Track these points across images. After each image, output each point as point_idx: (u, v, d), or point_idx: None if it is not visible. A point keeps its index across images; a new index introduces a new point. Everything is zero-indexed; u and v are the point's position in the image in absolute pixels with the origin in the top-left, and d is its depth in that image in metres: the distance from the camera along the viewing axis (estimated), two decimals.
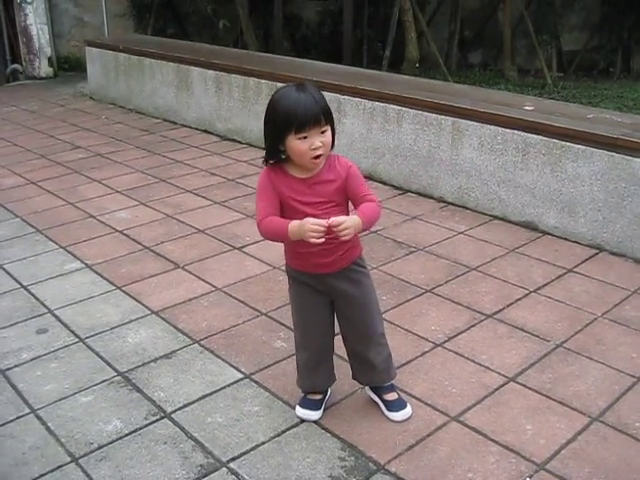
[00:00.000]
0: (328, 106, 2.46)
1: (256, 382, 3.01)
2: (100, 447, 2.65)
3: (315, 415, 2.77)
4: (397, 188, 5.31)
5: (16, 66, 10.46)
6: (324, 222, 2.38)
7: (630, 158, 4.06)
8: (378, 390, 2.82)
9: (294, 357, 2.87)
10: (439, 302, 3.67)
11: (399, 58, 9.92)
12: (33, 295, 3.81)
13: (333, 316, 2.74)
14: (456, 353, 3.21)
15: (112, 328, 3.47)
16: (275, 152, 2.51)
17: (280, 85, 6.02)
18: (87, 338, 3.39)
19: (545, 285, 3.84)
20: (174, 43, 8.56)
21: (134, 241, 4.47)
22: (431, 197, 5.12)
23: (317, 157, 2.45)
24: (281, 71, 6.26)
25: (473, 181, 4.84)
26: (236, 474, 2.51)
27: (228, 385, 3.00)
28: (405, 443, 2.64)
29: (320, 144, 2.43)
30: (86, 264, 4.16)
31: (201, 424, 2.76)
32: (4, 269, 4.12)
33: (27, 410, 2.87)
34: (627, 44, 11.35)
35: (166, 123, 7.41)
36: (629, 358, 3.17)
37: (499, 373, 3.06)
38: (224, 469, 2.54)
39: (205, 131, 7.03)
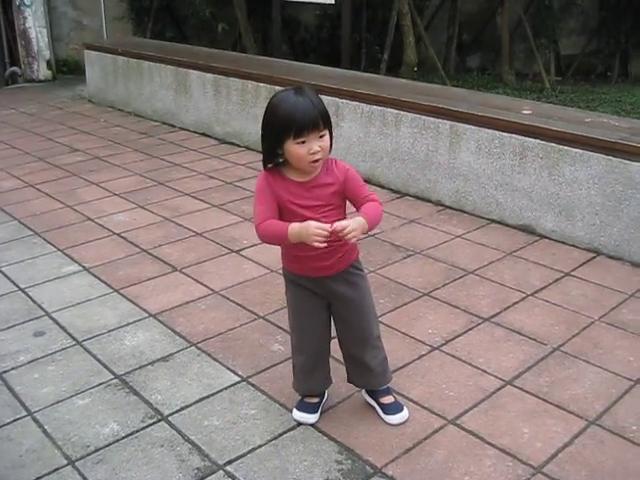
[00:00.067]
0: (326, 110, 2.47)
1: (253, 385, 3.02)
2: (97, 450, 2.65)
3: (312, 418, 2.77)
4: (395, 192, 5.31)
5: (15, 69, 10.46)
6: (327, 226, 2.38)
7: (627, 162, 4.06)
8: (374, 394, 2.82)
9: (291, 360, 2.86)
10: (436, 305, 3.68)
11: (397, 62, 9.93)
12: (30, 298, 3.81)
13: (330, 319, 2.74)
14: (453, 356, 3.21)
15: (109, 331, 3.47)
16: (273, 156, 2.52)
17: (278, 88, 6.03)
18: (84, 341, 3.39)
19: (542, 289, 3.84)
20: (173, 46, 8.57)
21: (132, 244, 4.48)
22: (429, 201, 5.13)
23: (315, 161, 2.46)
24: (279, 74, 6.27)
25: (471, 185, 4.85)
26: (233, 477, 2.51)
27: (225, 388, 3.00)
28: (402, 446, 2.64)
29: (318, 148, 2.44)
30: (84, 267, 4.16)
31: (198, 427, 2.76)
32: (1, 272, 4.12)
33: (24, 413, 2.87)
34: (625, 48, 11.36)
35: (164, 126, 7.41)
36: (626, 362, 3.17)
37: (496, 376, 3.06)
38: (221, 472, 2.54)
39: (203, 134, 7.03)
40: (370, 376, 2.77)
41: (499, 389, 2.98)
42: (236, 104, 6.63)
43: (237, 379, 3.06)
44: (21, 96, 9.35)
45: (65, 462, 2.60)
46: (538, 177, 4.47)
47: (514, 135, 4.56)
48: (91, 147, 6.65)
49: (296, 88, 2.48)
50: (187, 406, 2.89)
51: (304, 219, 2.45)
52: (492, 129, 4.68)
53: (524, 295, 3.77)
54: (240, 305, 3.70)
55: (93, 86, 8.70)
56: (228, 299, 3.76)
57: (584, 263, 4.15)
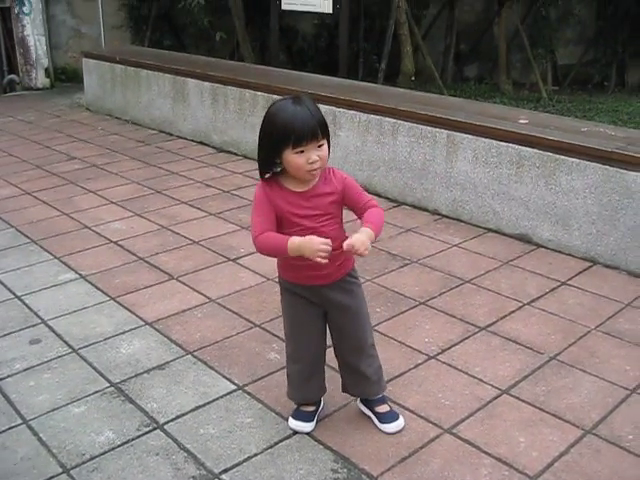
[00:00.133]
0: (324, 120, 2.47)
1: (249, 394, 3.01)
2: (92, 458, 2.64)
3: (308, 427, 2.76)
4: (392, 200, 5.32)
5: (13, 77, 10.48)
6: (329, 241, 2.40)
7: (624, 171, 4.07)
8: (370, 403, 2.82)
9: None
10: (433, 314, 3.68)
11: (395, 71, 9.95)
12: (27, 305, 3.81)
13: (325, 327, 2.74)
14: (449, 365, 3.21)
15: (106, 339, 3.47)
16: (271, 165, 2.52)
17: (276, 97, 6.05)
18: (80, 349, 3.38)
19: (539, 298, 3.84)
20: (170, 55, 8.58)
21: (129, 252, 4.47)
22: (426, 210, 5.13)
23: (314, 170, 2.46)
24: (277, 83, 6.28)
25: (467, 194, 4.86)
26: None
27: (221, 396, 3.00)
28: (398, 455, 2.64)
29: (317, 158, 2.44)
30: (80, 275, 4.16)
31: (194, 435, 2.76)
32: None
33: (19, 421, 2.86)
34: (622, 58, 11.42)
35: (162, 134, 7.42)
36: (622, 371, 3.17)
37: (492, 385, 3.06)
38: None
39: (201, 143, 7.04)
40: (366, 384, 2.77)
41: (495, 398, 2.97)
42: (234, 113, 6.64)
43: (233, 387, 3.06)
44: (19, 104, 9.36)
45: (60, 470, 2.59)
46: (535, 186, 4.48)
47: (511, 144, 4.57)
48: (88, 155, 6.65)
49: (294, 97, 2.48)
50: (183, 414, 2.88)
51: (303, 229, 2.47)
52: (489, 138, 4.69)
53: (521, 304, 3.77)
54: (236, 313, 3.69)
55: (91, 94, 8.70)
56: (224, 307, 3.76)
57: (580, 272, 4.15)
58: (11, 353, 3.35)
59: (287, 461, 2.62)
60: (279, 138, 2.41)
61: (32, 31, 10.18)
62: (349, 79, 7.30)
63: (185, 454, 2.66)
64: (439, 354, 3.30)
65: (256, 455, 2.65)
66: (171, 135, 7.36)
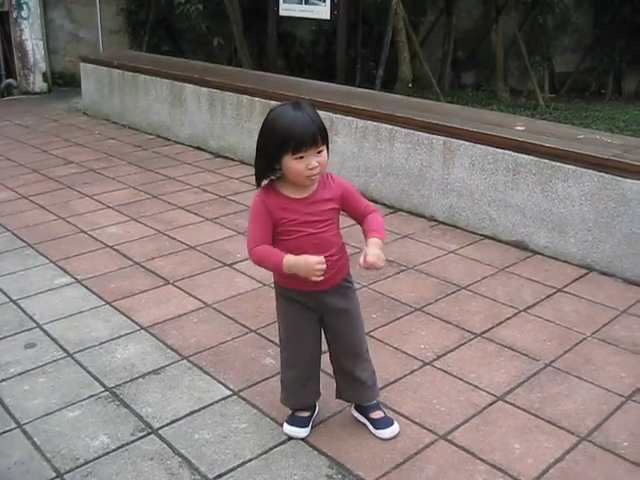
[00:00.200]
0: (324, 126, 2.48)
1: (244, 399, 3.01)
2: (86, 463, 2.63)
3: (303, 432, 2.76)
4: (388, 207, 5.32)
5: (10, 81, 10.48)
6: (323, 260, 2.42)
7: (620, 179, 4.08)
8: (364, 409, 2.82)
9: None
10: (429, 320, 3.67)
11: (392, 78, 9.97)
12: (22, 309, 3.80)
13: (321, 332, 2.74)
14: (445, 372, 3.21)
15: (101, 343, 3.46)
16: (269, 171, 2.52)
17: (273, 103, 6.05)
18: (75, 353, 3.38)
19: (535, 304, 3.84)
20: (168, 60, 8.59)
21: (125, 257, 4.47)
22: (422, 216, 5.14)
23: (313, 176, 2.46)
24: (274, 89, 6.28)
25: (464, 200, 4.86)
26: None
27: (216, 402, 2.99)
28: (393, 461, 2.64)
29: (316, 164, 2.44)
30: (76, 279, 4.15)
31: (188, 440, 2.75)
32: None
33: (13, 425, 2.85)
34: (619, 66, 11.46)
35: (159, 139, 7.42)
36: (618, 378, 3.17)
37: (488, 392, 3.05)
38: None
39: (198, 148, 7.04)
40: (361, 389, 2.76)
41: (491, 404, 2.97)
42: (231, 118, 6.65)
43: (228, 393, 3.05)
44: (16, 108, 9.36)
45: (54, 475, 2.58)
46: (531, 193, 4.48)
47: (507, 151, 4.57)
48: (85, 159, 6.65)
49: (294, 103, 2.48)
50: (177, 419, 2.88)
51: (305, 235, 2.50)
52: (486, 145, 4.69)
53: (516, 311, 3.77)
54: (232, 319, 3.69)
55: (88, 99, 8.71)
56: (220, 312, 3.76)
57: (577, 279, 4.16)
58: (6, 357, 3.34)
59: (282, 467, 2.61)
60: (279, 143, 2.41)
61: (30, 35, 10.19)
62: (346, 85, 7.31)
63: (180, 459, 2.65)
64: (435, 360, 3.30)
65: (251, 460, 2.64)
66: (168, 140, 7.37)
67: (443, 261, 4.41)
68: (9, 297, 3.94)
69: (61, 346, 3.44)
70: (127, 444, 2.73)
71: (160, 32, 11.15)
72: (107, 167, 6.40)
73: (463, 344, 3.45)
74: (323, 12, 8.05)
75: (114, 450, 2.70)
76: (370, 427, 2.78)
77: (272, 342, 3.40)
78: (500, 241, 4.68)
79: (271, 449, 2.70)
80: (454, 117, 5.14)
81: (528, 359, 3.31)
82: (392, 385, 3.10)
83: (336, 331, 2.71)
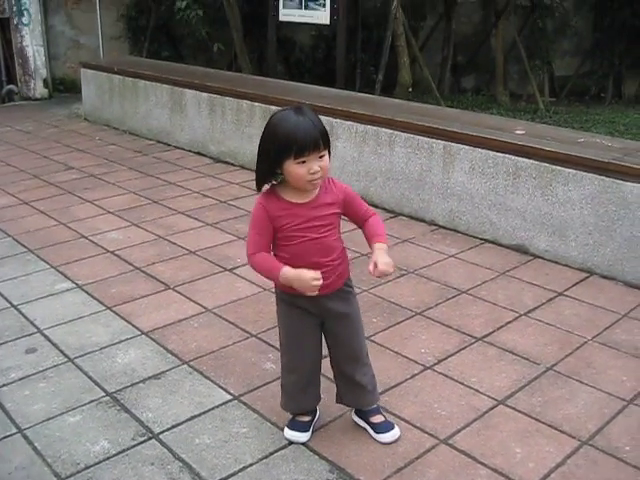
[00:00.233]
0: (326, 130, 2.48)
1: (245, 403, 3.00)
2: (87, 467, 2.63)
3: (303, 437, 2.76)
4: (389, 211, 5.32)
5: (11, 87, 10.49)
6: (319, 275, 2.43)
7: (620, 182, 4.08)
8: (365, 414, 2.81)
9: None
10: (429, 325, 3.67)
11: (392, 82, 9.97)
12: (23, 314, 3.80)
13: (322, 337, 2.74)
14: (446, 376, 3.21)
15: (101, 348, 3.46)
16: (270, 176, 2.52)
17: (273, 108, 6.07)
18: (76, 358, 3.38)
19: (535, 308, 3.84)
20: (168, 65, 8.60)
21: (125, 262, 4.47)
22: (422, 220, 5.14)
23: (315, 180, 2.46)
24: (274, 94, 6.29)
25: (464, 204, 4.86)
26: None
27: (217, 406, 2.99)
28: (394, 466, 2.63)
29: (318, 169, 2.44)
30: (77, 284, 4.16)
31: (189, 445, 2.75)
32: None
33: (14, 430, 2.85)
34: (618, 70, 11.46)
35: (160, 145, 7.43)
36: (619, 381, 3.17)
37: (489, 396, 3.05)
38: None
39: (198, 153, 7.04)
40: (361, 394, 2.76)
41: (492, 409, 2.97)
42: (231, 123, 6.65)
43: (229, 397, 3.05)
44: (17, 114, 9.37)
45: None
46: (531, 197, 4.48)
47: (507, 155, 4.58)
48: (86, 165, 6.66)
49: (296, 108, 2.48)
50: (178, 424, 2.87)
51: (307, 240, 2.51)
52: (486, 149, 4.69)
53: (517, 315, 3.77)
54: (233, 323, 3.69)
55: (89, 104, 8.72)
56: (221, 317, 3.76)
57: (577, 283, 4.16)
58: (7, 362, 3.34)
59: (282, 471, 2.61)
60: (281, 148, 2.41)
61: (31, 42, 10.22)
62: (346, 90, 7.31)
63: (180, 464, 2.65)
64: (435, 364, 3.30)
65: (251, 465, 2.64)
66: (168, 145, 7.37)
67: (443, 265, 4.41)
68: (10, 302, 3.94)
69: (62, 351, 3.44)
70: (128, 449, 2.73)
71: (160, 38, 11.17)
72: (108, 173, 6.41)
73: (464, 348, 3.44)
74: (323, 17, 8.07)
75: (115, 455, 2.70)
76: (371, 431, 2.78)
77: (273, 347, 3.40)
78: (500, 245, 4.68)
79: (272, 454, 2.70)
80: (454, 121, 5.14)
81: (529, 363, 3.31)
82: (393, 389, 3.09)
83: (337, 336, 2.71)
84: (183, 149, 7.21)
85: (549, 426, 2.85)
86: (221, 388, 3.12)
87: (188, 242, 4.77)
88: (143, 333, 3.60)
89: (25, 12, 10.05)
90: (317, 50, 11.45)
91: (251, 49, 10.75)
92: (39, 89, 10.43)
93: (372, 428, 2.78)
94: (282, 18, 8.50)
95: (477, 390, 3.09)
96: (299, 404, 2.79)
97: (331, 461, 2.66)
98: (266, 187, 2.57)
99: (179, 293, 4.04)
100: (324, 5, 8.00)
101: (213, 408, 2.98)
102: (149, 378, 3.21)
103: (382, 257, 2.53)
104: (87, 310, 3.85)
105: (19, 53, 10.28)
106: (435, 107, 7.04)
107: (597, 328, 3.63)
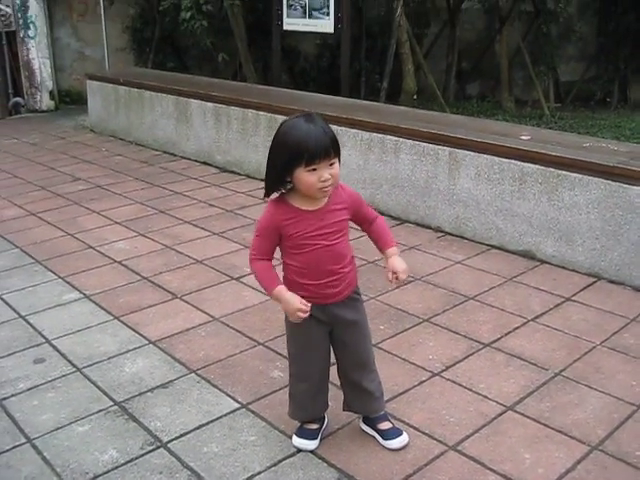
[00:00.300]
0: (336, 138, 2.48)
1: (253, 412, 3.00)
2: (96, 477, 2.63)
3: (312, 445, 2.75)
4: (395, 218, 5.32)
5: (18, 99, 10.54)
6: (307, 305, 2.50)
7: (627, 186, 4.07)
8: (372, 421, 2.81)
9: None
10: (437, 331, 3.67)
11: (397, 90, 9.99)
12: (31, 325, 3.81)
13: (330, 345, 2.74)
14: (454, 382, 3.20)
15: (109, 358, 3.47)
16: (280, 184, 2.51)
17: (279, 117, 6.08)
18: (84, 368, 3.38)
19: (543, 314, 3.83)
20: (173, 76, 8.64)
21: (133, 271, 4.48)
22: (429, 227, 5.13)
23: (325, 188, 2.46)
24: (279, 103, 6.31)
25: (470, 211, 4.86)
26: None
27: (224, 415, 2.99)
28: (403, 472, 2.63)
29: (329, 176, 2.45)
30: (84, 294, 4.16)
31: (197, 454, 2.75)
32: (3, 299, 4.12)
33: (23, 440, 2.85)
34: (624, 74, 11.46)
35: (166, 155, 7.45)
36: (628, 386, 3.15)
37: (497, 402, 3.04)
38: None
39: (204, 163, 7.06)
40: (368, 400, 2.76)
41: (500, 415, 2.96)
42: (236, 133, 6.67)
43: (237, 406, 3.05)
44: (24, 126, 9.42)
45: None
46: (537, 202, 4.48)
47: (513, 161, 4.58)
48: (93, 176, 6.68)
49: (306, 115, 2.48)
50: (186, 433, 2.87)
51: (318, 247, 2.51)
52: (491, 155, 4.69)
53: (525, 320, 3.76)
54: (240, 332, 3.69)
55: (95, 116, 8.76)
56: (228, 326, 3.76)
57: (585, 288, 4.15)
58: (15, 372, 3.35)
59: (291, 479, 2.60)
60: (291, 156, 2.41)
61: (37, 54, 10.28)
62: (351, 98, 7.32)
63: (189, 472, 2.65)
64: (443, 371, 3.29)
65: (260, 473, 2.64)
66: (174, 155, 7.39)
67: (450, 272, 4.40)
68: (18, 313, 3.95)
69: (70, 361, 3.44)
70: (136, 458, 2.73)
71: (165, 49, 11.22)
72: (114, 183, 6.43)
73: (472, 354, 3.44)
74: (327, 26, 8.08)
75: (123, 464, 2.70)
76: (379, 438, 2.77)
77: (280, 355, 3.40)
78: (507, 251, 4.67)
79: (280, 461, 2.70)
80: (459, 128, 5.14)
81: (537, 368, 3.30)
82: (401, 396, 3.09)
83: (345, 343, 2.70)
84: (189, 159, 7.23)
85: (558, 431, 2.84)
86: (229, 396, 3.12)
87: (195, 251, 4.78)
88: (151, 342, 3.61)
89: (31, 25, 10.11)
90: (321, 59, 11.48)
91: (256, 58, 10.78)
92: (45, 101, 10.48)
93: (380, 435, 2.77)
94: (286, 27, 8.52)
95: (485, 396, 3.09)
96: (307, 412, 2.79)
97: (339, 468, 2.65)
98: (274, 195, 2.57)
99: (186, 302, 4.05)
100: (328, 14, 8.02)
101: (221, 416, 2.98)
102: (157, 387, 3.21)
103: (400, 264, 2.63)
104: (95, 320, 3.86)
105: (25, 66, 10.33)
106: (440, 114, 7.06)
107: (605, 333, 3.62)
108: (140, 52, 11.21)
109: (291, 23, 8.43)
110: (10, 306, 4.04)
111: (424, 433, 2.84)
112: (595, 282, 4.22)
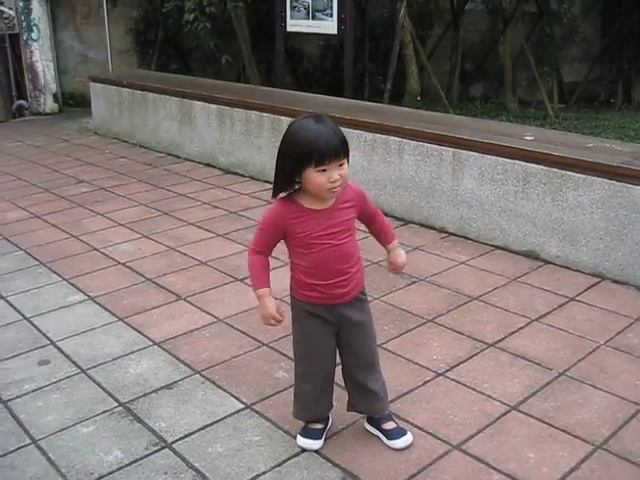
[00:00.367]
0: (346, 139, 2.48)
1: (257, 412, 3.01)
2: (100, 477, 2.64)
3: (316, 444, 2.75)
4: (399, 219, 5.32)
5: (22, 102, 10.57)
6: (279, 318, 2.63)
7: (631, 186, 4.07)
8: (376, 422, 2.81)
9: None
10: (441, 332, 3.67)
11: (400, 91, 10.00)
12: (36, 327, 3.82)
13: (336, 346, 2.74)
14: (458, 382, 3.20)
15: (114, 359, 3.47)
16: (289, 184, 2.51)
17: (283, 118, 6.09)
18: (89, 369, 3.39)
19: (547, 314, 3.83)
20: (177, 78, 8.65)
21: (137, 273, 4.49)
22: (433, 228, 5.13)
23: (334, 189, 2.47)
24: (283, 104, 6.31)
25: (474, 211, 4.86)
26: None
27: (229, 415, 2.99)
28: (407, 472, 2.63)
29: (338, 177, 2.45)
30: (89, 296, 4.17)
31: (202, 454, 2.75)
32: (7, 301, 4.13)
33: (28, 441, 2.86)
34: (628, 75, 11.45)
35: (169, 157, 7.46)
36: (632, 385, 3.15)
37: (501, 402, 3.04)
38: None
39: (208, 165, 7.07)
40: (373, 400, 2.76)
41: (504, 414, 2.96)
42: (240, 134, 6.68)
43: (241, 406, 3.05)
44: (28, 129, 9.44)
45: None
46: (541, 202, 4.48)
47: (517, 161, 4.57)
48: (96, 178, 6.69)
49: (315, 116, 2.48)
50: (191, 433, 2.88)
51: (328, 247, 2.52)
52: (495, 155, 4.69)
53: (529, 320, 3.76)
54: (244, 333, 3.69)
55: (99, 118, 8.77)
56: (232, 327, 3.76)
57: (589, 288, 4.14)
58: (20, 374, 3.36)
59: (295, 479, 2.61)
60: (301, 156, 2.41)
61: (40, 57, 10.30)
62: (355, 99, 7.32)
63: (193, 473, 2.65)
64: (447, 371, 3.29)
65: (264, 473, 2.64)
66: (178, 157, 7.40)
67: (454, 272, 4.40)
68: (23, 315, 3.96)
69: (74, 362, 3.45)
70: (141, 458, 2.74)
71: (169, 51, 11.24)
72: (118, 185, 6.44)
73: (476, 354, 3.44)
74: (330, 27, 8.09)
75: (128, 465, 2.70)
76: (383, 438, 2.78)
77: (284, 355, 3.41)
78: (511, 251, 4.67)
79: (285, 461, 2.70)
80: (463, 128, 5.14)
81: (541, 368, 3.30)
82: (405, 396, 3.09)
83: (351, 343, 2.70)
84: (193, 161, 7.24)
85: (562, 431, 2.84)
86: (233, 397, 3.12)
87: (199, 253, 4.79)
88: (155, 344, 3.61)
89: (34, 28, 10.14)
90: (325, 60, 11.49)
91: (259, 60, 10.80)
92: (49, 104, 10.51)
93: (384, 435, 2.77)
94: (290, 29, 8.53)
95: (489, 396, 3.09)
96: (312, 412, 2.79)
97: (344, 468, 2.65)
98: (283, 195, 2.57)
99: (190, 303, 4.06)
100: (331, 15, 8.03)
101: (225, 417, 2.98)
102: (161, 388, 3.21)
103: (401, 259, 2.84)
104: (99, 321, 3.86)
105: (29, 68, 10.36)
106: (444, 115, 7.06)
107: (609, 333, 3.62)
108: (143, 54, 11.23)
109: (294, 25, 8.44)
110: (15, 308, 4.05)
111: (428, 433, 2.84)
112: (599, 282, 4.21)
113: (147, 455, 2.75)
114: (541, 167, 4.45)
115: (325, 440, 2.78)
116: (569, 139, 4.93)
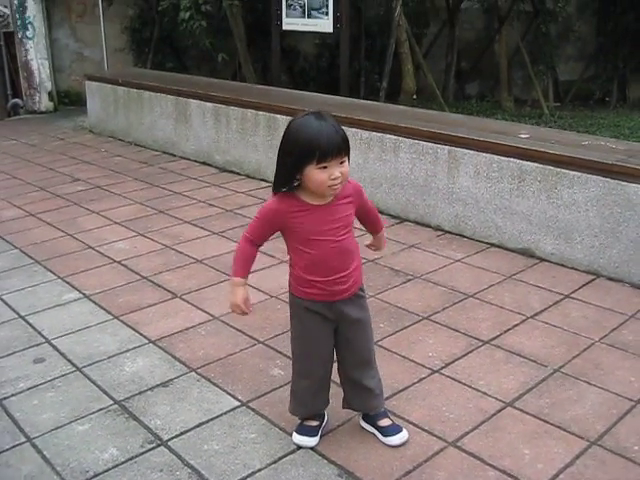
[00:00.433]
0: (347, 136, 2.48)
1: (253, 409, 3.01)
2: (96, 475, 2.64)
3: (312, 441, 2.76)
4: (394, 217, 5.33)
5: (17, 100, 10.56)
6: (249, 311, 2.68)
7: (625, 184, 4.08)
8: (372, 419, 2.81)
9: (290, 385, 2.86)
10: (436, 329, 3.67)
11: (396, 90, 9.99)
12: (31, 325, 3.82)
13: (334, 343, 2.74)
14: (453, 379, 3.21)
15: (109, 357, 3.47)
16: (290, 181, 2.50)
17: (279, 117, 6.09)
18: (84, 367, 3.38)
19: (542, 311, 3.84)
20: (173, 76, 8.65)
21: (132, 271, 4.48)
22: (428, 226, 5.14)
23: (335, 186, 2.47)
24: (279, 103, 6.31)
25: (469, 209, 4.86)
26: None
27: (225, 413, 2.99)
28: (402, 469, 2.63)
29: (339, 174, 2.44)
30: (84, 294, 4.17)
31: (197, 452, 2.75)
32: (2, 299, 4.13)
33: (23, 439, 2.86)
34: (623, 73, 11.45)
35: (165, 155, 7.46)
36: (627, 382, 3.16)
37: (496, 398, 3.05)
38: None
39: (204, 163, 7.07)
40: (368, 398, 2.76)
41: (499, 411, 2.97)
42: (236, 133, 6.67)
43: (237, 404, 3.06)
44: (23, 127, 9.42)
45: None
46: (537, 200, 4.48)
47: (512, 159, 4.58)
48: (92, 177, 6.69)
49: (316, 113, 2.47)
50: (187, 431, 2.88)
51: (328, 242, 2.52)
52: (490, 153, 4.70)
53: (524, 317, 3.77)
54: (240, 330, 3.69)
55: (94, 117, 8.76)
56: (228, 325, 3.76)
57: (584, 285, 4.15)
58: (15, 372, 3.35)
59: (291, 476, 2.61)
60: (303, 153, 2.40)
61: (35, 55, 10.28)
62: (350, 98, 7.32)
63: (189, 470, 2.65)
64: (443, 368, 3.30)
65: (260, 470, 2.64)
66: (174, 156, 7.40)
67: (450, 270, 4.41)
68: (18, 313, 3.96)
69: (70, 360, 3.45)
70: (136, 456, 2.74)
71: (164, 49, 11.22)
72: (114, 184, 6.43)
73: (471, 351, 3.44)
74: (326, 25, 8.09)
75: (124, 462, 2.70)
76: (379, 435, 2.78)
77: (280, 353, 3.41)
78: (506, 249, 4.67)
79: (280, 459, 2.70)
80: (458, 126, 5.15)
81: (536, 365, 3.31)
82: (401, 393, 3.09)
83: (349, 340, 2.70)
84: (188, 159, 7.23)
85: (557, 427, 2.85)
86: (229, 395, 3.12)
87: (194, 251, 4.78)
88: (151, 341, 3.61)
89: (29, 26, 10.11)
90: (321, 59, 11.48)
91: (255, 59, 10.79)
92: (44, 102, 10.48)
93: (380, 432, 2.77)
94: (285, 27, 8.53)
95: (485, 393, 3.09)
96: (307, 408, 2.79)
97: (340, 465, 2.66)
98: (283, 191, 2.57)
99: (186, 301, 4.05)
100: (327, 13, 8.02)
101: (221, 414, 2.98)
102: (157, 386, 3.21)
103: (384, 242, 2.97)
104: (94, 320, 3.86)
105: (24, 67, 10.34)
106: (439, 113, 7.07)
107: (604, 330, 3.63)
108: (139, 52, 11.21)
109: (290, 23, 8.44)
110: (10, 306, 4.04)
111: (424, 429, 2.85)
112: (594, 279, 4.22)
113: (143, 453, 2.75)
114: (536, 165, 4.46)
115: (321, 437, 2.78)
116: (564, 137, 4.93)
